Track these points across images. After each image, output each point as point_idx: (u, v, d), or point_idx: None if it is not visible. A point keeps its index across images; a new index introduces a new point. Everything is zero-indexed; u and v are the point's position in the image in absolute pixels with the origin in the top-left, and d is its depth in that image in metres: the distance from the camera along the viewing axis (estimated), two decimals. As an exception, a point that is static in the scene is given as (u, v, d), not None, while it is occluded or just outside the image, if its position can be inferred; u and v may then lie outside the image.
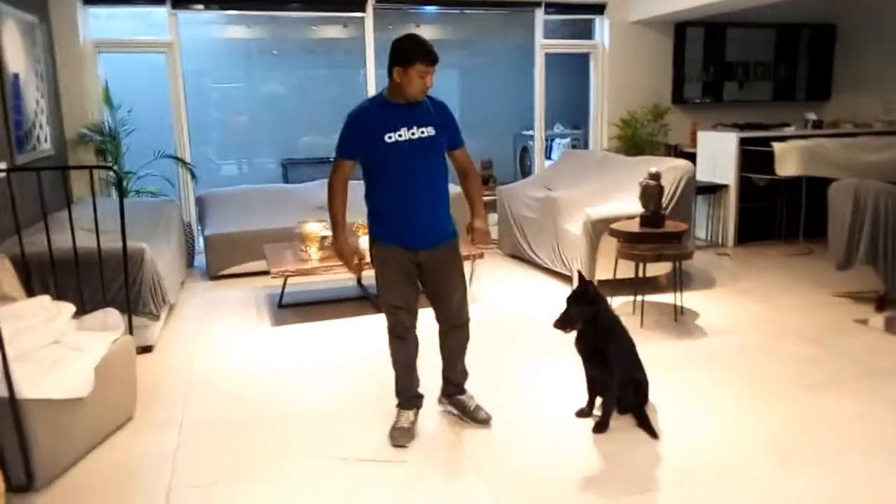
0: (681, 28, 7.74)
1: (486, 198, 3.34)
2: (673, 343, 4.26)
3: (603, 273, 5.05)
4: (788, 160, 6.13)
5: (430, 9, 7.79)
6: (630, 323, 4.23)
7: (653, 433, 3.10)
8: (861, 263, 4.61)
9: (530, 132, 8.26)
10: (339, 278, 5.51)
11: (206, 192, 6.74)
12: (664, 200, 4.79)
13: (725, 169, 6.74)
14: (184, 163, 6.68)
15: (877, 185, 4.53)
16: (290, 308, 5.12)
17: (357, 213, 3.33)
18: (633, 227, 4.68)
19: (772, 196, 6.78)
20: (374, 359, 3.95)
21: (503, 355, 4.09)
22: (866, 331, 4.40)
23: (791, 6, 7.05)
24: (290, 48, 9.40)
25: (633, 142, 7.53)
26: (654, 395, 3.40)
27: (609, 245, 4.89)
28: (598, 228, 5.01)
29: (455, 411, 3.29)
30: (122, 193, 5.90)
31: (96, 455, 3.05)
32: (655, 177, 4.60)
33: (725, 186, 6.75)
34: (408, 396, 3.22)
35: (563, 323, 3.08)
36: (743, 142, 6.63)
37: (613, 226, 4.76)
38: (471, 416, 3.23)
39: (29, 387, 2.72)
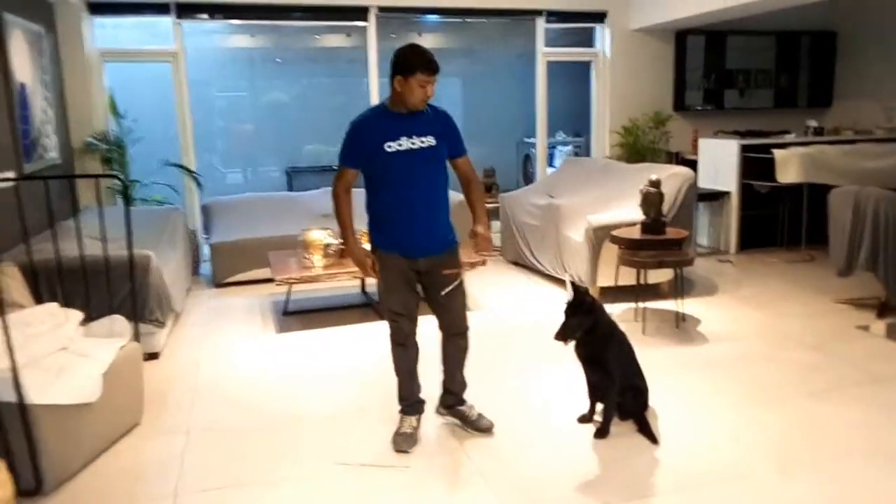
0: (681, 36, 7.80)
1: (488, 205, 3.38)
2: (674, 349, 4.28)
3: (604, 280, 5.09)
4: (789, 167, 6.17)
5: (433, 18, 7.84)
6: (631, 330, 4.26)
7: (653, 439, 3.13)
8: (862, 270, 4.64)
9: (533, 140, 8.31)
10: (343, 285, 5.55)
11: (211, 200, 6.81)
12: (665, 207, 4.82)
13: (727, 176, 6.77)
14: (189, 171, 6.73)
15: (877, 191, 4.56)
16: (294, 315, 5.16)
17: (358, 221, 3.36)
18: (635, 234, 4.72)
19: (773, 203, 6.80)
20: (377, 365, 3.99)
21: (506, 362, 4.12)
22: (868, 337, 4.42)
23: (791, 14, 7.10)
24: (293, 57, 9.47)
25: (635, 149, 7.57)
26: (656, 401, 3.43)
27: (611, 252, 4.93)
28: (600, 235, 5.05)
29: (457, 422, 3.31)
30: (128, 202, 5.96)
31: (104, 460, 3.09)
32: (656, 184, 4.63)
33: (727, 193, 6.78)
34: (410, 402, 3.26)
35: (563, 335, 3.11)
36: (744, 149, 6.66)
37: (614, 233, 4.79)
38: (473, 425, 3.25)
39: (37, 392, 2.76)
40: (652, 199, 4.65)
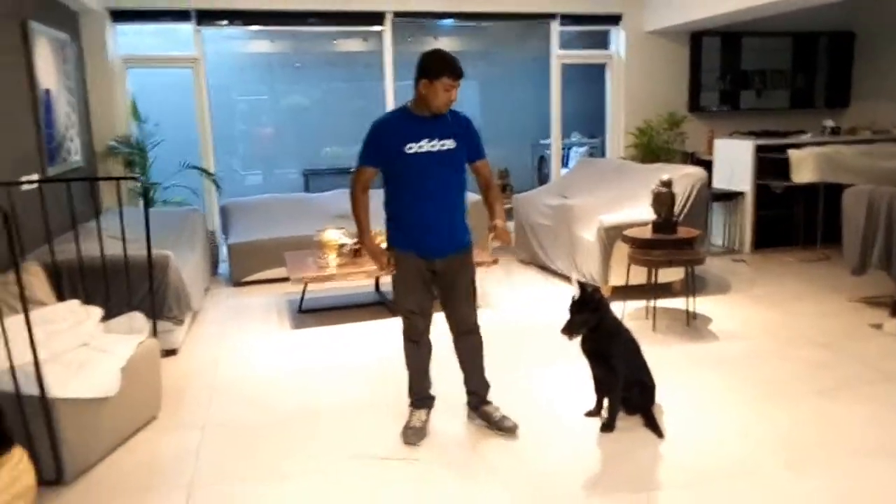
0: (696, 37, 7.78)
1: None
2: (684, 346, 4.30)
3: (616, 279, 5.12)
4: (804, 167, 6.15)
5: (448, 22, 7.91)
6: (642, 327, 4.28)
7: (659, 433, 3.16)
8: (875, 268, 4.62)
9: (548, 141, 8.35)
10: (357, 284, 5.62)
11: (229, 201, 6.91)
12: (677, 207, 4.84)
13: (742, 176, 6.75)
14: (208, 173, 6.85)
15: (890, 190, 4.54)
16: (309, 313, 5.24)
17: (374, 221, 3.43)
18: (646, 233, 4.74)
19: (789, 203, 6.77)
20: (390, 360, 4.05)
21: (518, 359, 4.16)
22: (880, 336, 4.40)
23: (809, 15, 7.06)
24: (311, 62, 9.61)
25: (650, 150, 7.57)
26: (665, 397, 3.46)
27: (623, 251, 4.95)
28: (612, 235, 5.07)
29: (482, 422, 3.34)
30: (148, 203, 6.08)
31: (121, 452, 3.18)
32: (667, 184, 4.65)
33: (742, 193, 6.76)
34: (420, 397, 3.32)
35: (569, 329, 3.16)
36: (759, 149, 6.64)
37: (626, 232, 4.82)
38: (497, 425, 3.27)
39: (59, 387, 2.85)
40: (663, 199, 4.67)
